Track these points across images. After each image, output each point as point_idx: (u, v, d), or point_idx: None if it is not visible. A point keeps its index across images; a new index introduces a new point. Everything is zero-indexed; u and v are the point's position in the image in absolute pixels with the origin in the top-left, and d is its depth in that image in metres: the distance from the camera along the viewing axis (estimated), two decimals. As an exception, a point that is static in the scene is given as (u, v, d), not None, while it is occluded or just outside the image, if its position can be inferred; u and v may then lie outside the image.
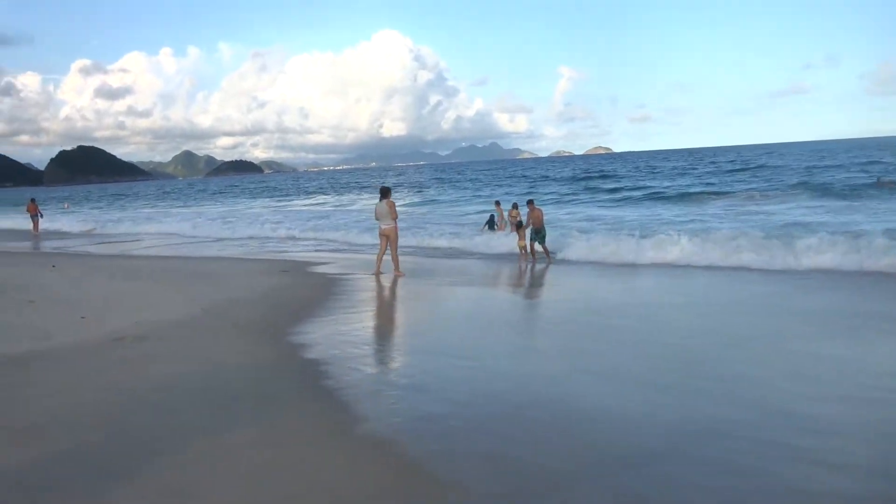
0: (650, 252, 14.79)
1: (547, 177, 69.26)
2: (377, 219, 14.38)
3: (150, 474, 4.56)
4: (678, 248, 14.47)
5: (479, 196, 47.46)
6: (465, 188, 61.24)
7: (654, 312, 9.95)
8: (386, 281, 13.49)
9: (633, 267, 14.33)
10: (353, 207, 46.55)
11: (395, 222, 14.19)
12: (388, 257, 14.19)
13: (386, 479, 4.48)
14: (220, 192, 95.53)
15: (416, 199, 50.52)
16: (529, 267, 15.45)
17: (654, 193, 39.38)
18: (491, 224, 22.08)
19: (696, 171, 59.18)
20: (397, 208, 14.61)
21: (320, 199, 64.38)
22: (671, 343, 8.02)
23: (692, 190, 39.48)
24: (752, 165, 59.39)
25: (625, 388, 6.30)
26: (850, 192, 30.75)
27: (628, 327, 8.85)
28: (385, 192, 14.34)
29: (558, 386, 6.46)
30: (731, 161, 72.38)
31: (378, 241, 14.55)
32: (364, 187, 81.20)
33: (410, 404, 5.98)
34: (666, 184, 46.94)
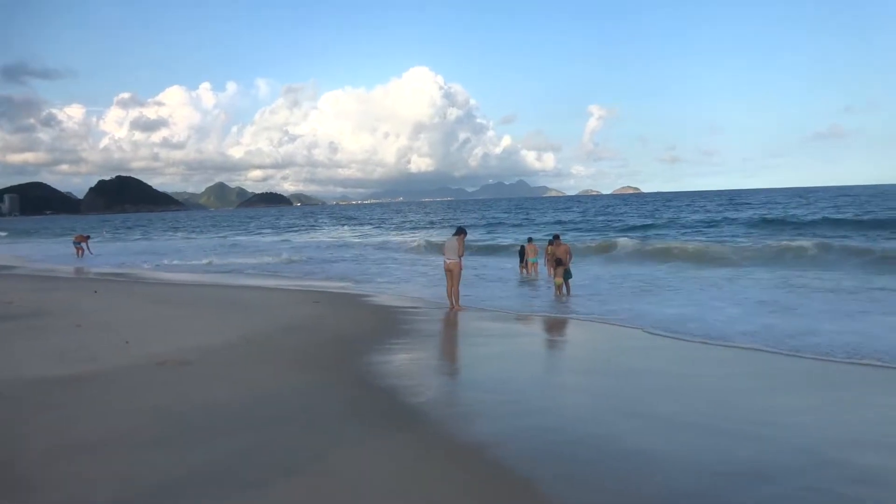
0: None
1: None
2: (444, 253, 14.72)
3: (204, 498, 4.70)
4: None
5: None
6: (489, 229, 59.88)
7: (683, 356, 9.81)
8: (439, 315, 13.63)
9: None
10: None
11: (461, 259, 14.48)
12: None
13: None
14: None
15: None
16: (561, 306, 15.31)
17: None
18: (521, 257, 21.97)
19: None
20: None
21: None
22: (705, 387, 8.00)
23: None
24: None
25: (661, 428, 6.27)
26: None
27: (659, 370, 8.78)
28: (459, 231, 14.81)
29: (596, 425, 6.44)
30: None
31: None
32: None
33: (451, 431, 6.08)
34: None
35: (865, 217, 42.00)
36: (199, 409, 6.78)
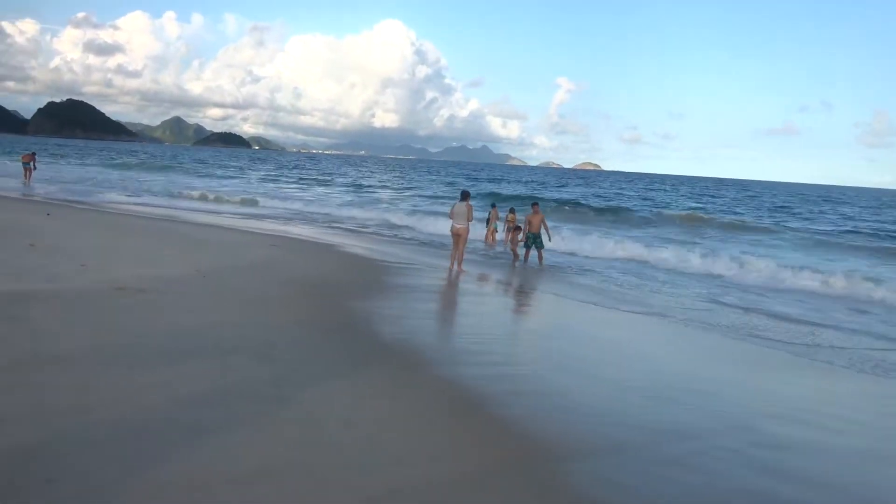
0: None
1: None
2: (451, 217, 14.97)
3: (166, 413, 4.99)
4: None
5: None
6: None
7: (636, 327, 10.44)
8: (441, 274, 13.96)
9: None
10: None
11: (468, 224, 14.76)
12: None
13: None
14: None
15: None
16: (521, 271, 15.73)
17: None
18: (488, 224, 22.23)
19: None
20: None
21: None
22: (646, 356, 8.61)
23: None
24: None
25: (604, 388, 6.94)
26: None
27: (615, 339, 9.40)
28: (465, 196, 15.08)
29: (546, 383, 6.93)
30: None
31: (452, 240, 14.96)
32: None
33: (421, 372, 6.49)
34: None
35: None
36: (162, 333, 6.99)
